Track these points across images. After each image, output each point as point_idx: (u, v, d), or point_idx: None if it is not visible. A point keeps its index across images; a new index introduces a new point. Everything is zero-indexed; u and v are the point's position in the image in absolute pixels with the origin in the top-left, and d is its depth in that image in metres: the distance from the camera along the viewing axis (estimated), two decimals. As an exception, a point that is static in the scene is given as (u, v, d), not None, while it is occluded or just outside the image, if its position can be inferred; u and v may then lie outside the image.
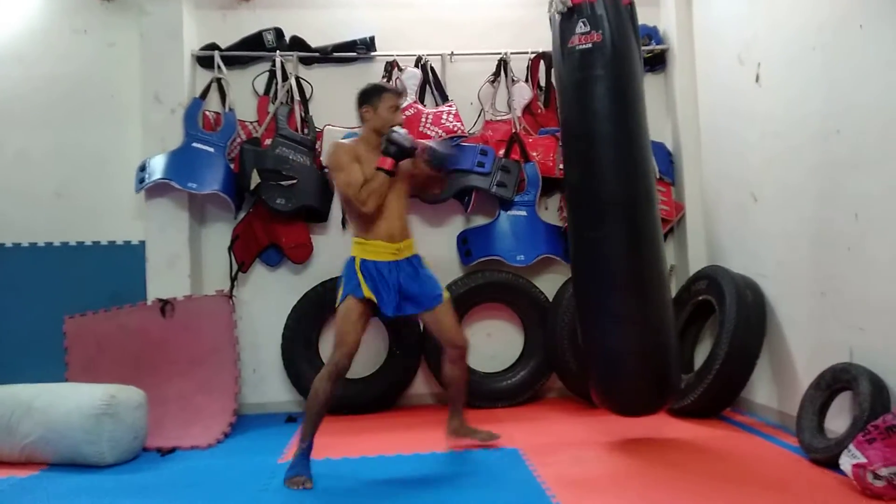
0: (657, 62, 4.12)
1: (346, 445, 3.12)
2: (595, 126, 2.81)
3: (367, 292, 2.74)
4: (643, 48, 4.01)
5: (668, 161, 4.05)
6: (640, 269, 2.80)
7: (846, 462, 2.34)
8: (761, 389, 3.36)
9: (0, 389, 3.18)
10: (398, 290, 2.81)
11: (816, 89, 2.88)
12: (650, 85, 4.11)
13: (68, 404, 2.98)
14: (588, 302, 2.92)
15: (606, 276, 2.81)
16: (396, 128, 2.81)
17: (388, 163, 2.75)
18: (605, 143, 2.80)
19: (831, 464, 2.49)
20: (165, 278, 3.68)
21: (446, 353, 2.98)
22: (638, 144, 2.84)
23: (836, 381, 2.69)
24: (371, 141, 2.86)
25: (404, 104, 3.62)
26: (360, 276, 2.76)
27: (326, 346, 3.92)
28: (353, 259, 2.83)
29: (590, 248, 2.85)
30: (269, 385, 3.91)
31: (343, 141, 2.94)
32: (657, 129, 4.07)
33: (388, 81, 3.92)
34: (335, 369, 2.70)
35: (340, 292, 2.80)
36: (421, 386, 3.92)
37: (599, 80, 2.78)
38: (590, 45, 2.78)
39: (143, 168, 3.69)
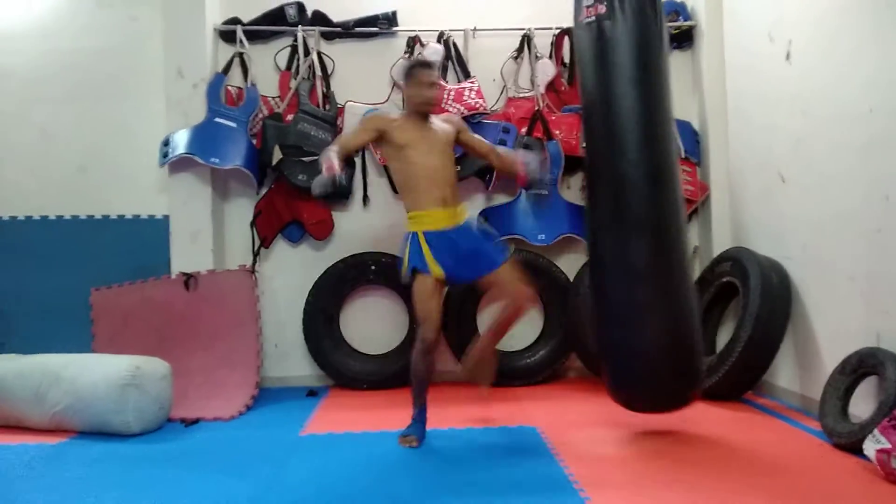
0: (684, 39, 4.03)
1: (365, 420, 3.16)
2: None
3: (436, 270, 2.74)
4: (671, 24, 3.98)
5: (694, 140, 3.98)
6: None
7: (870, 447, 2.33)
8: (784, 373, 3.33)
9: (30, 359, 3.26)
10: (458, 254, 2.79)
11: (849, 67, 2.81)
12: (676, 62, 4.04)
13: (95, 375, 3.04)
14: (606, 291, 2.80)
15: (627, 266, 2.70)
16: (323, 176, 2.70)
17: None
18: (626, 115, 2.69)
19: (854, 449, 2.47)
20: (189, 252, 3.72)
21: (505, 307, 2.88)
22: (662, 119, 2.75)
23: (861, 365, 2.66)
24: (413, 119, 2.89)
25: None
26: (425, 250, 2.76)
27: (347, 322, 3.95)
28: (413, 235, 2.80)
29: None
30: (291, 359, 3.96)
31: (381, 113, 3.01)
32: (683, 107, 4.00)
33: (411, 56, 3.88)
34: (423, 346, 2.77)
35: (405, 269, 2.80)
36: (440, 363, 3.92)
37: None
38: (593, 19, 2.68)
39: (166, 143, 3.71)
